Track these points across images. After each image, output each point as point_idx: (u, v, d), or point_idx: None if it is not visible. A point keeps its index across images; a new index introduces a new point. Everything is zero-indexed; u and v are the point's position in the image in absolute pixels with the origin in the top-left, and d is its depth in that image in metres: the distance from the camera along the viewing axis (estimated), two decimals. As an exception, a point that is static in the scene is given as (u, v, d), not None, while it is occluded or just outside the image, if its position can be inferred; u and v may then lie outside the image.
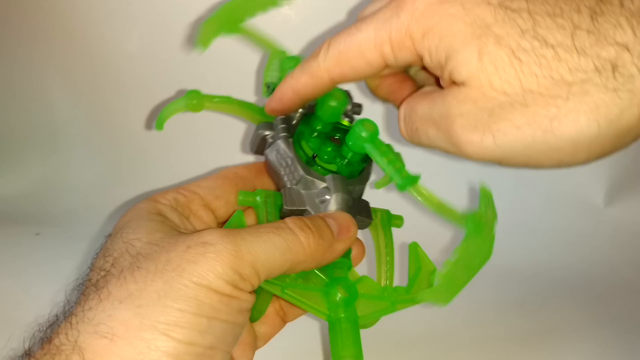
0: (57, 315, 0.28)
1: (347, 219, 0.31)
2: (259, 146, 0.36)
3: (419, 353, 0.48)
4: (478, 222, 0.30)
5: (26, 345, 0.27)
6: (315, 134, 0.34)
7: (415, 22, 0.25)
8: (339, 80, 0.29)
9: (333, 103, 0.32)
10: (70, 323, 0.24)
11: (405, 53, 0.26)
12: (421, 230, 0.47)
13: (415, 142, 0.28)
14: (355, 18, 0.30)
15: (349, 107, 0.36)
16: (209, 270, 0.24)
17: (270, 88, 0.35)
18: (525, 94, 0.22)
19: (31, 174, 0.70)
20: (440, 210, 0.30)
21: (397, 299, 0.32)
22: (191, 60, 0.60)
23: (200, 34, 0.35)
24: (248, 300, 0.26)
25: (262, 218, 0.32)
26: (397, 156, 0.37)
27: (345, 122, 0.36)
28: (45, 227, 0.63)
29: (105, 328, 0.23)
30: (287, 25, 0.59)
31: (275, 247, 0.27)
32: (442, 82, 0.26)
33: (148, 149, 0.67)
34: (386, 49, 0.26)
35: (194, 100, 0.34)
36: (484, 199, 0.32)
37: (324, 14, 0.59)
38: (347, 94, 0.36)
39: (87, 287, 0.26)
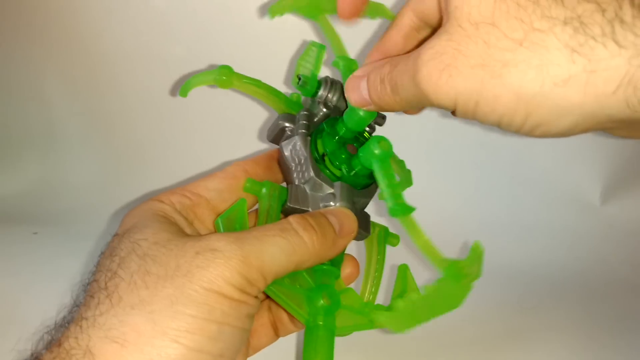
0: (64, 318, 0.28)
1: (348, 215, 0.32)
2: (277, 136, 0.36)
3: (416, 350, 0.48)
4: (458, 270, 0.29)
5: (33, 348, 0.27)
6: (336, 137, 0.34)
7: None
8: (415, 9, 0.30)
9: (361, 113, 0.32)
10: (80, 327, 0.24)
11: None
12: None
13: (385, 98, 0.28)
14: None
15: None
16: (219, 276, 0.25)
17: (302, 80, 0.35)
18: (492, 30, 0.22)
19: (29, 173, 0.69)
20: (426, 248, 0.29)
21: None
22: (192, 58, 0.60)
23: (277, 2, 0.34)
24: (254, 305, 0.26)
25: (264, 209, 0.32)
26: (405, 178, 0.37)
27: (367, 134, 0.36)
28: (43, 226, 0.63)
29: (116, 333, 0.23)
30: (289, 25, 0.59)
31: (282, 251, 0.27)
32: None
33: (146, 148, 0.67)
34: None
35: (223, 76, 0.33)
36: (473, 254, 0.32)
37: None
38: None
39: (96, 290, 0.25)
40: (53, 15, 0.61)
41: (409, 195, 0.30)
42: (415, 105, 0.26)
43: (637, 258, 0.63)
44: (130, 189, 0.65)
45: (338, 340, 0.32)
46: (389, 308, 0.32)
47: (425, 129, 0.63)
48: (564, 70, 0.20)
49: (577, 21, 0.20)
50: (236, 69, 0.34)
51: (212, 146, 0.65)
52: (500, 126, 0.23)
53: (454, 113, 0.24)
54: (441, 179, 0.66)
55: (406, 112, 0.31)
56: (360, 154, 0.32)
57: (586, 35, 0.20)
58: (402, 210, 0.29)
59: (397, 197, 0.30)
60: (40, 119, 0.68)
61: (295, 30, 0.58)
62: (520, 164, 0.66)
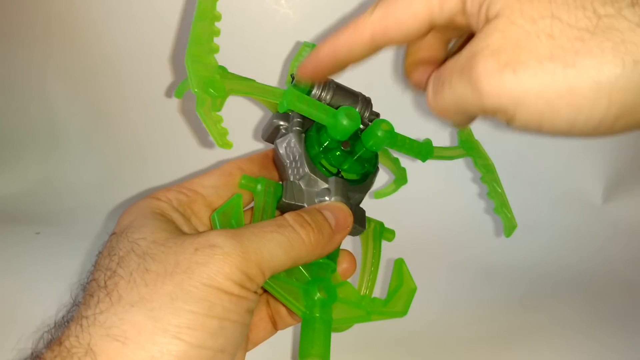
0: (64, 317, 0.28)
1: (343, 209, 0.32)
2: (271, 134, 0.36)
3: (419, 349, 0.48)
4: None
5: (33, 347, 0.27)
6: (322, 147, 0.34)
7: None
8: (379, 38, 0.27)
9: (344, 121, 0.32)
10: (81, 325, 0.24)
11: (451, 1, 0.25)
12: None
13: (440, 102, 0.26)
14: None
15: (367, 113, 0.36)
16: (218, 271, 0.25)
17: (295, 79, 0.35)
18: (554, 22, 0.21)
19: (31, 173, 0.70)
20: None
21: (373, 309, 0.32)
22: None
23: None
24: (254, 300, 0.27)
25: (259, 206, 0.33)
26: (400, 176, 0.39)
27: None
28: (46, 226, 0.63)
29: (117, 331, 0.23)
30: (285, 25, 0.59)
31: (280, 246, 0.27)
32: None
33: (147, 147, 0.67)
34: None
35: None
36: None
37: (323, 12, 0.59)
38: (368, 101, 0.36)
39: (95, 289, 0.26)
40: (54, 16, 0.62)
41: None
42: (465, 110, 0.25)
43: (639, 257, 0.63)
44: (133, 188, 0.65)
45: (338, 340, 0.32)
46: (386, 301, 0.33)
47: (427, 128, 0.63)
48: None
49: None
50: (233, 70, 0.34)
51: (209, 145, 0.65)
52: (575, 127, 0.21)
53: (509, 121, 0.23)
54: (443, 178, 0.66)
55: (455, 125, 0.30)
56: (364, 139, 0.33)
57: None
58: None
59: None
60: (42, 119, 0.68)
61: (289, 31, 0.59)
62: (522, 164, 0.66)
